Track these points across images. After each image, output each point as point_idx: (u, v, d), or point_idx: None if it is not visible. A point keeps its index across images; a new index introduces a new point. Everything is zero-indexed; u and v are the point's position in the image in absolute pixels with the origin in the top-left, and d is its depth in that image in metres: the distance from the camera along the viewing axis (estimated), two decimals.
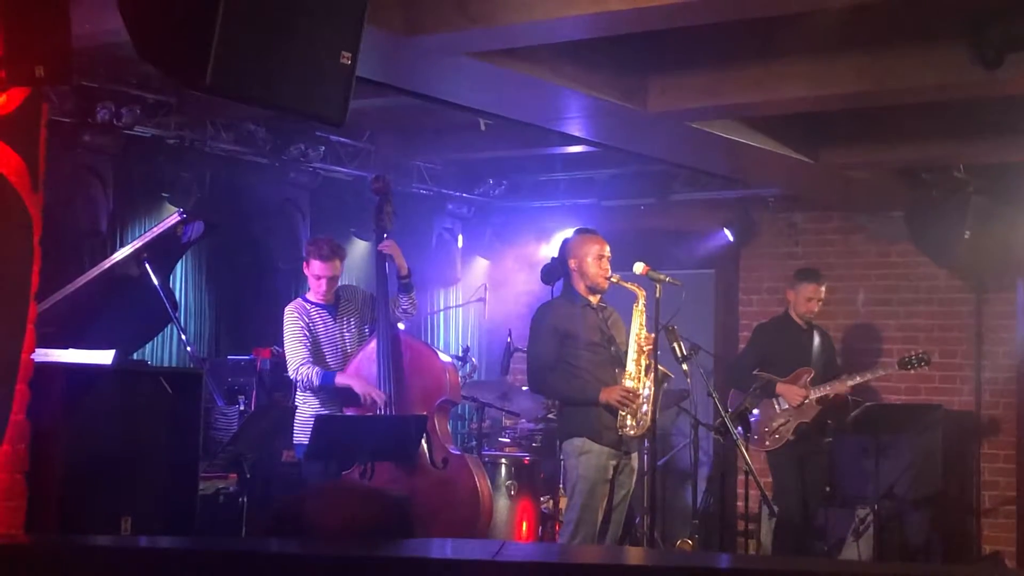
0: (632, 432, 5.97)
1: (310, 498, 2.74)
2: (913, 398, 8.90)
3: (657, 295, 5.86)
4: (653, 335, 5.90)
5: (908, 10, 5.16)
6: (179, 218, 5.89)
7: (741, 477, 7.08)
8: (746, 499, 7.43)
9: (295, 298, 6.73)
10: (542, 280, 7.32)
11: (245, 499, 5.83)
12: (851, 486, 8.23)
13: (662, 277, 5.90)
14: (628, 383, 5.98)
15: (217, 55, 3.36)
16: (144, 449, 4.81)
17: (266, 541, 2.76)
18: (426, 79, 5.96)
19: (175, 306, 6.17)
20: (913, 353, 7.73)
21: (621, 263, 6.21)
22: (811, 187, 8.67)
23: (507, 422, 8.54)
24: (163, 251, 5.90)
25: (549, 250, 9.18)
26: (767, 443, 7.47)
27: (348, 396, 6.38)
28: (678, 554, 6.57)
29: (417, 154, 8.84)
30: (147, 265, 5.81)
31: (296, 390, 6.53)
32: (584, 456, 5.99)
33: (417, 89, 6.11)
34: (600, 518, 5.99)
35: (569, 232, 6.68)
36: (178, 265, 6.95)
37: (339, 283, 6.62)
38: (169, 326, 6.40)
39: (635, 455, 6.13)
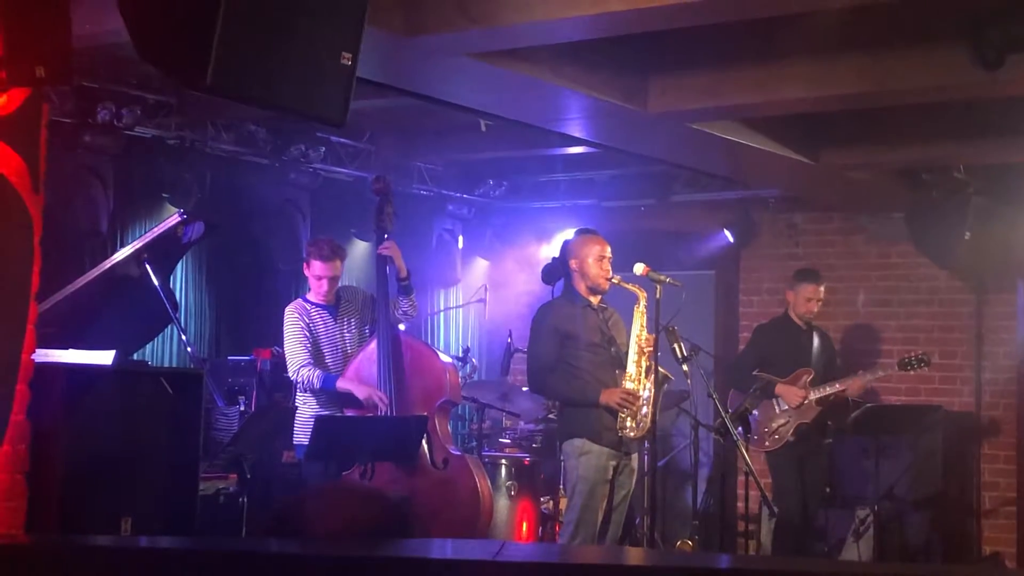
0: (632, 434, 5.97)
1: (308, 499, 2.75)
2: (913, 399, 8.90)
3: (657, 296, 5.86)
4: (653, 336, 5.90)
5: (908, 11, 5.16)
6: (179, 219, 5.89)
7: (741, 478, 7.09)
8: (746, 500, 7.44)
9: (295, 299, 6.73)
10: (543, 280, 7.32)
11: (245, 499, 5.83)
12: (851, 487, 8.23)
13: (662, 278, 5.89)
14: (628, 385, 5.98)
15: (217, 55, 3.36)
16: (144, 449, 4.81)
17: (266, 541, 2.76)
18: (426, 80, 5.96)
19: (175, 306, 6.17)
20: (913, 354, 7.73)
21: (621, 264, 6.21)
22: (811, 188, 8.67)
23: (507, 423, 8.54)
24: (163, 252, 5.90)
25: (549, 251, 9.19)
26: (767, 443, 7.47)
27: (348, 397, 6.38)
28: (678, 555, 6.58)
29: (417, 155, 8.84)
30: (147, 265, 5.81)
31: (296, 391, 6.53)
32: (584, 457, 5.99)
33: (417, 90, 6.11)
34: (600, 519, 5.99)
35: (570, 233, 6.67)
36: (178, 266, 6.95)
37: (339, 284, 6.63)
38: (169, 327, 6.40)
39: (635, 456, 6.13)
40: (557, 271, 6.54)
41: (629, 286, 6.07)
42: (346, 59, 3.70)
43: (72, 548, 2.90)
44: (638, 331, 6.00)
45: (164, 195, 7.44)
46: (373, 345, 6.42)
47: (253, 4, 3.49)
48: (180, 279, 7.69)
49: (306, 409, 6.37)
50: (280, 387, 7.23)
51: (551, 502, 7.59)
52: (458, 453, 6.57)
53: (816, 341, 7.70)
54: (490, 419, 8.42)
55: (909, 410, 8.66)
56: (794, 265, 8.46)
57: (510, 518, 7.49)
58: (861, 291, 9.24)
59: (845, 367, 7.96)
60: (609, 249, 6.19)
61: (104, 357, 4.74)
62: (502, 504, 7.39)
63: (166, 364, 7.45)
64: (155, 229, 5.92)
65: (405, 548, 2.60)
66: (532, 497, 7.58)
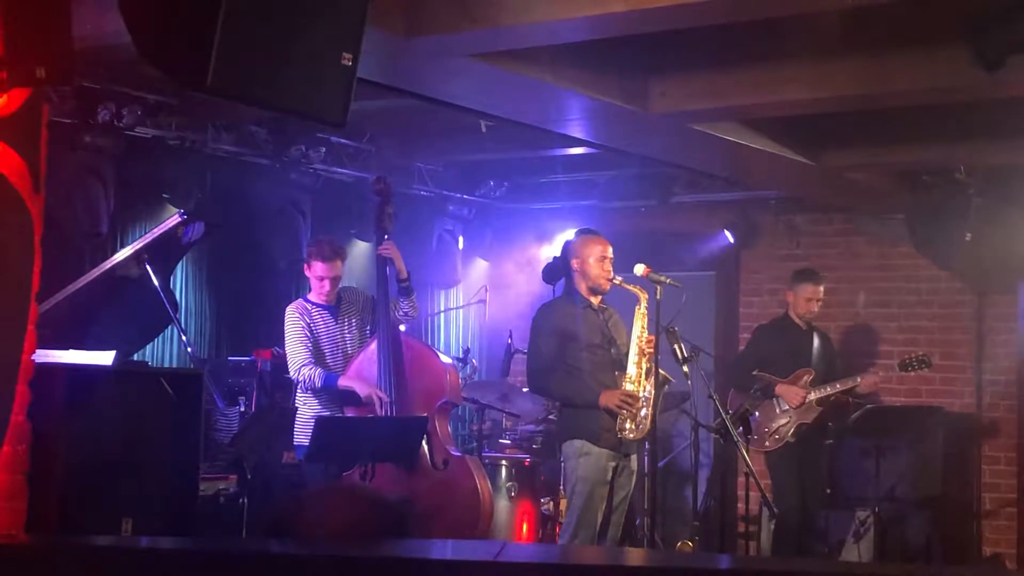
0: (631, 435, 5.97)
1: (308, 500, 2.74)
2: (914, 400, 8.90)
3: (658, 297, 5.86)
4: (654, 337, 5.89)
5: (909, 12, 5.16)
6: (180, 219, 5.90)
7: (741, 479, 7.09)
8: (746, 501, 7.44)
9: (296, 299, 6.74)
10: (543, 279, 7.33)
11: (245, 500, 5.84)
12: (851, 488, 8.23)
13: (663, 279, 5.89)
14: (628, 386, 5.98)
15: (218, 56, 3.36)
16: (145, 450, 4.81)
17: (266, 542, 2.76)
18: (427, 81, 5.96)
19: (175, 307, 6.18)
20: (914, 355, 7.74)
21: (622, 265, 6.21)
22: (812, 189, 8.67)
23: (507, 424, 8.54)
24: (164, 252, 5.91)
25: (550, 252, 9.19)
26: (767, 443, 7.48)
27: (349, 397, 6.39)
28: (678, 555, 6.57)
29: (418, 155, 8.85)
30: (148, 266, 5.82)
31: (296, 391, 6.54)
32: (583, 458, 5.99)
33: (418, 91, 6.11)
34: (600, 520, 5.99)
35: (571, 233, 6.68)
36: (179, 266, 6.96)
37: (340, 284, 6.63)
38: (169, 327, 6.41)
39: (634, 457, 6.13)
40: (558, 271, 6.54)
41: (630, 287, 6.07)
42: (347, 60, 3.70)
43: (72, 548, 2.90)
44: (639, 332, 6.00)
45: (164, 195, 7.44)
46: (374, 345, 6.43)
47: (254, 5, 3.49)
48: (180, 279, 7.70)
49: (306, 410, 6.37)
50: (280, 388, 7.24)
51: (551, 503, 7.59)
52: (458, 454, 6.57)
53: (816, 342, 7.71)
54: (490, 420, 8.42)
55: (910, 411, 8.66)
56: (794, 266, 8.47)
57: (510, 519, 7.50)
58: (862, 292, 9.24)
59: (846, 368, 7.97)
60: (611, 250, 6.19)
61: (104, 358, 4.74)
62: (502, 505, 7.40)
63: (166, 365, 7.45)
64: (155, 230, 5.93)
65: (405, 549, 2.59)
66: (532, 498, 7.58)
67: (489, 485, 6.61)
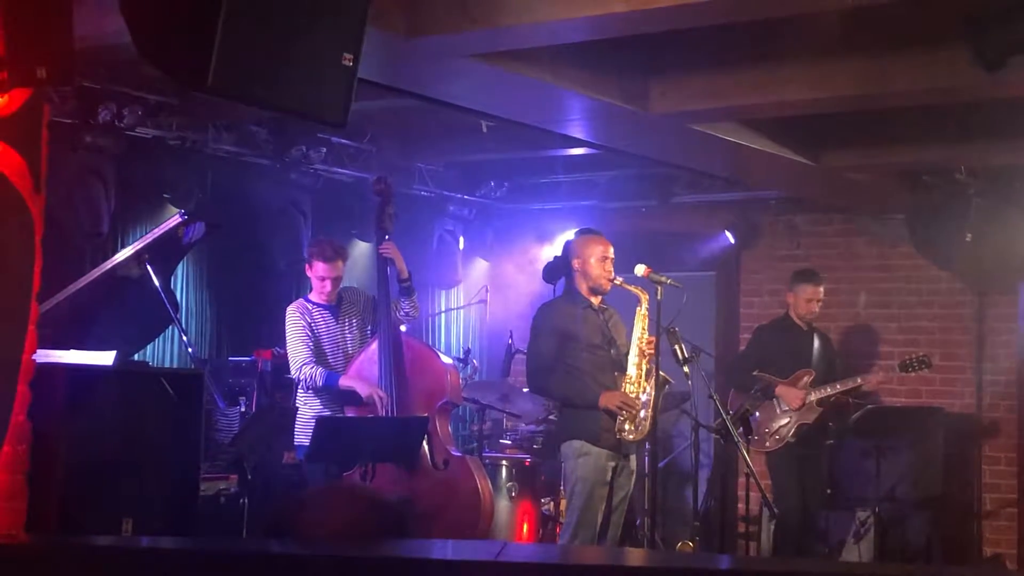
0: (631, 437, 5.97)
1: (309, 500, 2.74)
2: (914, 400, 8.90)
3: (658, 297, 5.85)
4: (654, 338, 5.89)
5: (909, 13, 5.16)
6: (180, 219, 5.90)
7: (742, 479, 7.10)
8: (747, 501, 7.44)
9: (297, 299, 6.74)
10: (544, 279, 7.31)
11: (246, 500, 5.84)
12: (852, 488, 8.23)
13: (663, 279, 5.89)
14: (628, 387, 5.97)
15: (219, 56, 3.36)
16: (145, 450, 4.81)
17: (267, 542, 2.76)
18: (428, 81, 5.96)
19: (176, 307, 6.18)
20: (914, 356, 7.74)
21: (622, 265, 6.21)
22: (812, 189, 8.67)
23: (508, 424, 8.55)
24: (164, 252, 5.91)
25: (550, 252, 9.18)
26: (767, 444, 7.48)
27: (349, 396, 6.39)
28: (679, 556, 6.57)
29: (419, 156, 8.85)
30: (148, 266, 5.82)
31: (297, 391, 6.54)
32: (583, 458, 5.99)
33: (419, 91, 6.11)
34: (600, 520, 5.99)
35: (571, 233, 6.67)
36: (179, 266, 6.96)
37: (341, 284, 6.63)
38: (170, 327, 6.41)
39: (633, 457, 6.14)
40: (559, 270, 6.53)
41: (631, 288, 6.07)
42: (347, 60, 3.70)
43: (72, 548, 2.90)
44: (639, 334, 6.00)
45: (165, 196, 7.44)
46: (374, 345, 6.43)
47: (254, 5, 3.49)
48: (181, 280, 7.69)
49: (307, 410, 6.37)
50: (281, 388, 7.24)
51: (552, 503, 7.59)
52: (459, 454, 6.57)
53: (817, 342, 7.72)
54: (491, 420, 8.42)
55: (910, 412, 8.67)
56: (795, 266, 8.47)
57: (511, 519, 7.50)
58: (862, 293, 9.24)
59: (846, 369, 7.97)
60: (612, 250, 6.19)
61: (105, 358, 4.74)
62: (503, 505, 7.40)
63: (167, 365, 7.45)
64: (156, 230, 5.93)
65: (405, 549, 2.60)
66: (533, 498, 7.58)
67: (490, 485, 6.61)
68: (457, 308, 10.00)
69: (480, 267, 10.10)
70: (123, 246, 6.76)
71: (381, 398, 6.28)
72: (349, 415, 6.38)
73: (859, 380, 7.62)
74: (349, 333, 6.56)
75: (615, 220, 9.27)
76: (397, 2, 4.98)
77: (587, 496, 5.96)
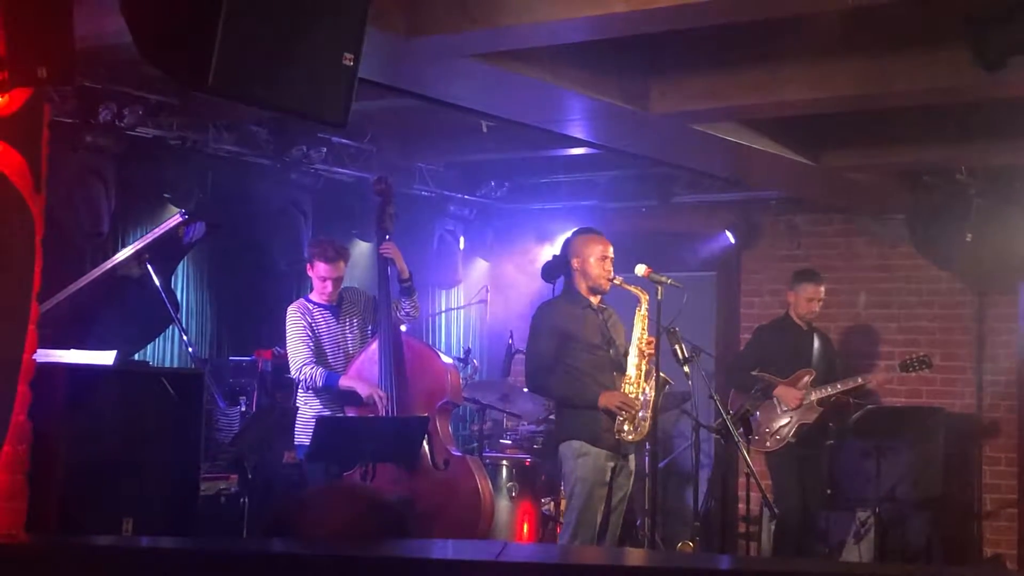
0: (630, 437, 5.97)
1: (309, 500, 2.74)
2: (914, 401, 8.90)
3: (658, 297, 5.85)
4: (654, 338, 5.89)
5: (909, 13, 5.16)
6: (181, 219, 5.90)
7: (742, 479, 7.09)
8: (747, 501, 7.44)
9: (297, 299, 6.74)
10: (542, 277, 7.30)
11: (246, 500, 5.84)
12: (852, 488, 8.23)
13: (663, 279, 5.88)
14: (628, 387, 5.97)
15: (219, 56, 3.36)
16: (145, 450, 4.81)
17: (267, 542, 2.76)
18: (428, 81, 5.96)
19: (176, 307, 6.18)
20: (914, 356, 7.74)
21: (623, 265, 6.20)
22: (812, 189, 8.67)
23: (508, 424, 8.55)
24: (165, 252, 5.91)
25: (551, 252, 9.17)
26: (768, 444, 7.48)
27: (350, 396, 6.39)
28: (679, 556, 6.57)
29: (419, 156, 8.85)
30: (149, 266, 5.82)
31: (297, 391, 6.54)
32: (582, 459, 5.98)
33: (419, 91, 6.11)
34: (599, 520, 5.99)
35: (571, 232, 6.66)
36: (180, 266, 6.96)
37: (342, 284, 6.63)
38: (170, 327, 6.41)
39: (632, 457, 6.13)
40: (557, 269, 6.52)
41: (631, 288, 6.07)
42: (348, 60, 3.70)
43: (72, 548, 2.90)
44: (639, 334, 5.99)
45: (165, 195, 7.44)
46: (375, 345, 6.43)
47: (255, 5, 3.49)
48: (181, 279, 7.69)
49: (307, 410, 6.37)
50: (281, 388, 7.24)
51: (552, 503, 7.59)
52: (459, 454, 6.57)
53: (817, 342, 7.72)
54: (491, 420, 8.42)
55: (910, 412, 8.67)
56: (795, 266, 8.47)
57: (511, 519, 7.50)
58: (862, 293, 9.24)
59: (846, 369, 7.97)
60: (611, 249, 6.18)
61: (105, 357, 4.75)
62: (503, 505, 7.40)
63: (167, 364, 7.45)
64: (156, 229, 5.93)
65: (406, 548, 2.60)
66: (533, 498, 7.58)
67: (490, 485, 6.61)
68: (457, 308, 10.00)
69: (480, 267, 10.10)
70: (123, 246, 6.76)
71: (381, 398, 6.28)
72: (349, 415, 6.38)
73: (860, 380, 7.62)
74: (350, 333, 6.56)
75: (615, 220, 9.27)
76: (397, 2, 4.98)
77: (586, 496, 5.95)
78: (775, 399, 7.50)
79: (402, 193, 8.23)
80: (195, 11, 3.41)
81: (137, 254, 5.79)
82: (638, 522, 7.33)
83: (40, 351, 4.06)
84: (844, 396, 7.58)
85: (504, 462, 7.67)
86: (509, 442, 8.32)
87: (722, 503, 7.52)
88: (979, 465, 8.90)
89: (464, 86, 6.05)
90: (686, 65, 6.12)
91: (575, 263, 6.19)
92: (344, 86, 3.73)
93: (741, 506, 7.67)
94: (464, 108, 6.56)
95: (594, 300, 6.17)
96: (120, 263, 5.75)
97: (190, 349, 6.70)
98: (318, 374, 6.33)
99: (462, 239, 9.71)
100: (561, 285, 6.39)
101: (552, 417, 7.81)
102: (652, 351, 5.89)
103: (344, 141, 8.15)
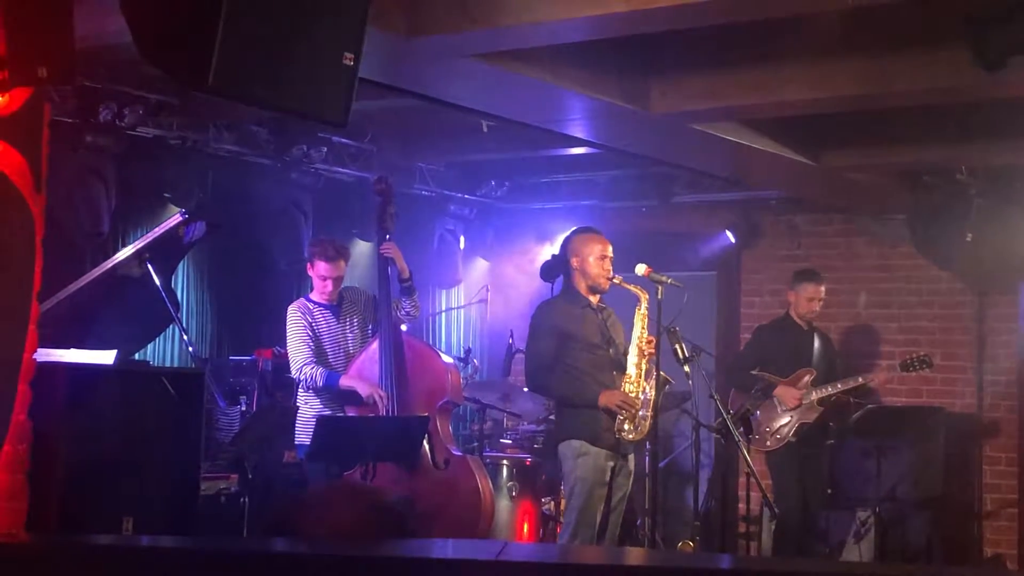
0: (630, 437, 5.96)
1: (309, 500, 2.75)
2: (915, 400, 8.90)
3: (659, 297, 5.85)
4: (655, 338, 5.88)
5: (909, 13, 5.16)
6: (181, 218, 5.90)
7: (742, 479, 7.09)
8: (747, 501, 7.44)
9: (297, 298, 6.74)
10: (541, 277, 7.29)
11: (246, 500, 5.84)
12: (852, 488, 8.23)
13: (664, 279, 5.88)
14: (628, 387, 5.97)
15: (220, 56, 3.36)
16: (146, 449, 4.81)
17: (267, 541, 2.77)
18: (428, 81, 5.96)
19: (177, 306, 6.18)
20: (915, 356, 7.74)
21: (623, 265, 6.20)
22: (813, 189, 8.67)
23: (509, 423, 8.55)
24: (165, 251, 5.91)
25: (551, 252, 9.18)
26: (768, 443, 7.48)
27: (350, 396, 6.39)
28: (679, 555, 6.57)
29: (419, 155, 8.85)
30: (149, 265, 5.82)
31: (298, 390, 6.54)
32: (582, 458, 5.98)
33: (419, 90, 6.11)
34: (599, 520, 5.98)
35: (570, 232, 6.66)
36: (180, 265, 6.96)
37: (342, 284, 6.63)
38: (171, 326, 6.41)
39: (632, 457, 6.13)
40: (556, 268, 6.51)
41: (631, 287, 6.06)
42: (348, 60, 3.70)
43: (73, 548, 2.91)
44: (639, 333, 5.99)
45: (166, 195, 7.44)
46: (375, 345, 6.43)
47: (255, 5, 3.49)
48: (181, 279, 7.70)
49: (308, 409, 6.37)
50: (281, 387, 7.24)
51: (552, 503, 7.59)
52: (459, 454, 6.57)
53: (817, 342, 7.72)
54: (491, 420, 8.42)
55: (911, 411, 8.67)
56: (795, 266, 8.47)
57: (511, 519, 7.49)
58: (862, 293, 9.24)
59: (846, 368, 7.97)
60: (611, 248, 6.17)
61: (106, 357, 4.75)
62: (503, 505, 7.39)
63: (167, 364, 7.45)
64: (157, 229, 5.93)
65: (406, 548, 2.60)
66: (533, 498, 7.58)
67: (490, 485, 6.61)
68: (458, 307, 10.00)
69: (481, 267, 10.10)
70: (123, 245, 6.76)
71: (382, 397, 6.28)
72: (350, 414, 6.38)
73: (860, 379, 7.63)
74: (350, 333, 6.56)
75: (615, 220, 9.27)
76: (397, 2, 4.99)
77: (586, 496, 5.95)
78: (775, 399, 7.50)
79: (402, 193, 8.23)
80: (195, 11, 3.42)
81: (137, 254, 5.79)
82: (638, 522, 7.33)
83: (40, 350, 4.06)
84: (844, 396, 7.58)
85: (504, 462, 7.67)
86: (509, 442, 8.32)
87: (722, 503, 7.52)
88: (979, 465, 8.90)
89: (464, 86, 6.05)
90: (686, 65, 6.12)
91: (574, 262, 6.18)
92: (344, 86, 3.73)
93: (741, 506, 7.67)
94: (464, 108, 6.56)
95: (593, 299, 6.17)
96: (120, 263, 5.75)
97: (190, 349, 6.70)
98: (318, 374, 6.33)
99: (462, 239, 9.72)
100: (560, 284, 6.38)
101: (552, 417, 7.82)
102: (652, 350, 5.88)
103: (344, 141, 8.15)
